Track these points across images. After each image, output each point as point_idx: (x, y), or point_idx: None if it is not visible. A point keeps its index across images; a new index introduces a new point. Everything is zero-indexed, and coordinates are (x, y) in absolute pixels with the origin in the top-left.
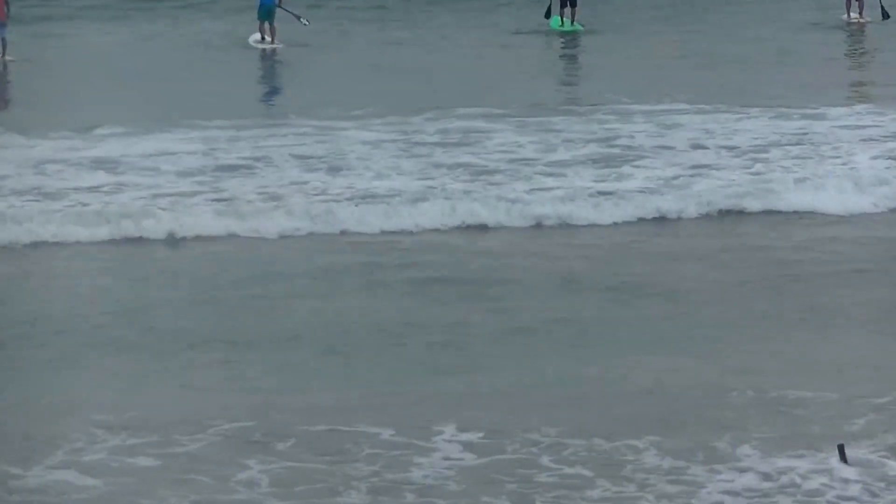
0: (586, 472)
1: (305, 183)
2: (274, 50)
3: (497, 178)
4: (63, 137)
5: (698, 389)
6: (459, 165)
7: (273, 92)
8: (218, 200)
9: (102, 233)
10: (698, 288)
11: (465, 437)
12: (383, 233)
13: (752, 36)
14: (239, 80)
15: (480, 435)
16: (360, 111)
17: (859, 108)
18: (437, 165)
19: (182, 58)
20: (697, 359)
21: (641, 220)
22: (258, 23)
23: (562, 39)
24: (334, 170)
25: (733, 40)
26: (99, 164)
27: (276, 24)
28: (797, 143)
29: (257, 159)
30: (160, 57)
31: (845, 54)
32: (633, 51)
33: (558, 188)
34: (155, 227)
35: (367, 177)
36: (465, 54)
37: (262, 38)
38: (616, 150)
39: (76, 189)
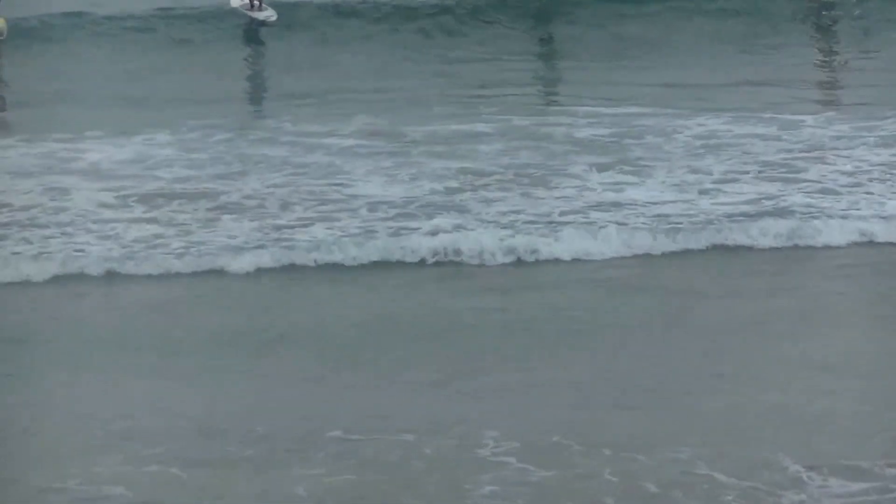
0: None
1: (308, 189)
2: (263, 21)
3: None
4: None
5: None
6: (459, 172)
7: (269, 84)
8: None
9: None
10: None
11: (510, 445)
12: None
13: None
14: (222, 72)
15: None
16: (340, 110)
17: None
18: (435, 168)
19: (170, 40)
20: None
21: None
22: None
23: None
24: (328, 175)
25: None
26: (85, 171)
27: None
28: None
29: (251, 164)
30: (149, 41)
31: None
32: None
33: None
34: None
35: (367, 183)
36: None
37: (252, 6)
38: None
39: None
